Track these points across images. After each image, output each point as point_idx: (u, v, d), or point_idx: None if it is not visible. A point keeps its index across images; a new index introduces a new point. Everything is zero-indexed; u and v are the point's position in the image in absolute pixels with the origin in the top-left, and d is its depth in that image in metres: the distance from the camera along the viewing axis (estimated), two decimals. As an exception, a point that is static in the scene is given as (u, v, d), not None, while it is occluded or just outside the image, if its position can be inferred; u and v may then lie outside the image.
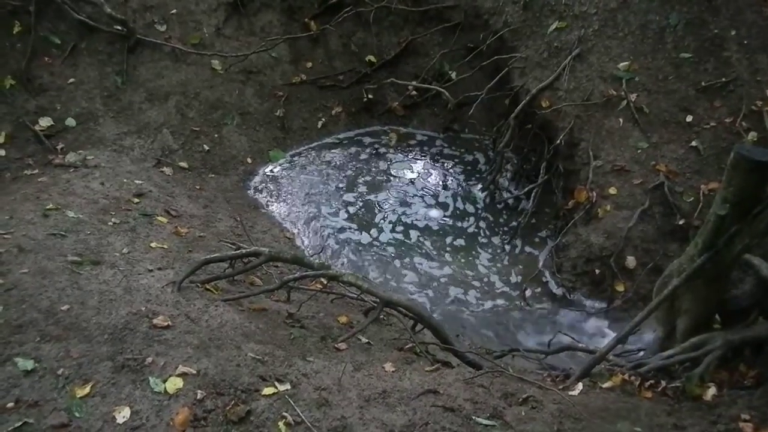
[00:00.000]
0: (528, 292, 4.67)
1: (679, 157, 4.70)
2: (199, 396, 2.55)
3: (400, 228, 5.14)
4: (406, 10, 5.86)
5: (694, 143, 4.71)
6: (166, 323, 2.94)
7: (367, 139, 5.84)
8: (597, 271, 4.54)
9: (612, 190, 4.70)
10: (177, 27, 5.52)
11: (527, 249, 5.02)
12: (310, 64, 5.87)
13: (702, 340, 3.13)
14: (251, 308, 3.38)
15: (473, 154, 5.75)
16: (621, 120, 4.87)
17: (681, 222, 4.47)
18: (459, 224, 5.20)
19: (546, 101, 5.13)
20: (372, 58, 5.88)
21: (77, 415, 2.41)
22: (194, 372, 2.65)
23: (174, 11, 5.53)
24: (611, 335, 4.17)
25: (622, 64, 5.03)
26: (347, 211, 5.24)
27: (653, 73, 4.96)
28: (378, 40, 5.88)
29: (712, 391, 2.89)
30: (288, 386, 2.67)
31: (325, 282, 3.86)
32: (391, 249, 4.97)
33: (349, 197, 5.35)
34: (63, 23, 5.22)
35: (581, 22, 5.18)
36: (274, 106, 5.65)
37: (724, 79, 4.81)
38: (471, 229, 5.17)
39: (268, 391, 2.62)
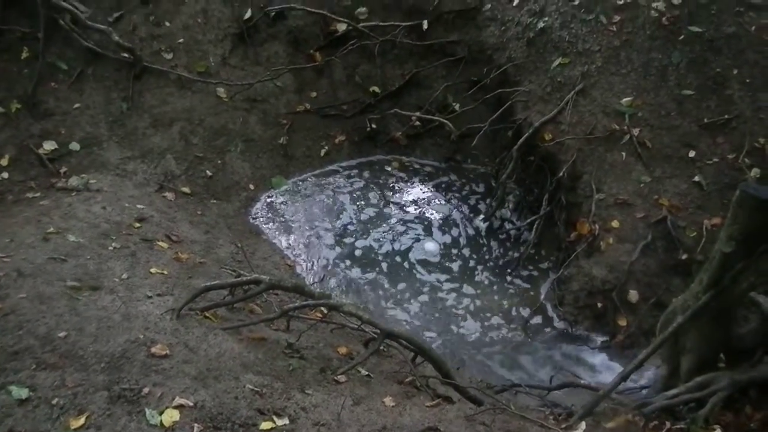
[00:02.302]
0: (530, 325, 4.63)
1: (681, 192, 4.70)
2: (195, 430, 2.50)
3: (401, 258, 5.13)
4: (411, 44, 5.90)
5: (696, 178, 4.72)
6: (164, 352, 2.90)
7: (370, 168, 5.87)
8: (599, 305, 4.52)
9: (614, 224, 4.69)
10: (183, 55, 5.56)
11: (529, 281, 4.99)
12: (314, 94, 5.90)
13: (707, 380, 3.11)
14: (250, 337, 3.34)
15: (475, 184, 5.79)
16: (624, 154, 4.89)
17: (684, 257, 4.45)
18: (460, 255, 5.18)
19: (549, 134, 5.15)
20: (376, 89, 5.91)
21: (70, 447, 2.36)
22: (191, 404, 2.60)
23: (181, 40, 5.58)
24: (614, 369, 4.13)
25: (624, 99, 5.06)
26: (348, 240, 5.22)
27: (656, 108, 4.99)
28: (382, 72, 5.91)
29: (717, 433, 2.83)
30: (286, 421, 2.61)
31: (326, 311, 3.82)
32: (391, 279, 4.95)
33: (350, 226, 5.33)
34: (70, 49, 5.26)
35: (584, 59, 5.23)
36: (277, 134, 5.66)
37: (726, 116, 4.83)
38: (472, 260, 5.15)
39: (266, 425, 2.57)
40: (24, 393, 2.52)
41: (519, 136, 5.29)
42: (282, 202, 5.47)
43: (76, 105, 5.19)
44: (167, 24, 5.56)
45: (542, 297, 4.83)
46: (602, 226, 4.71)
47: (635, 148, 4.87)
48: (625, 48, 5.15)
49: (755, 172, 4.62)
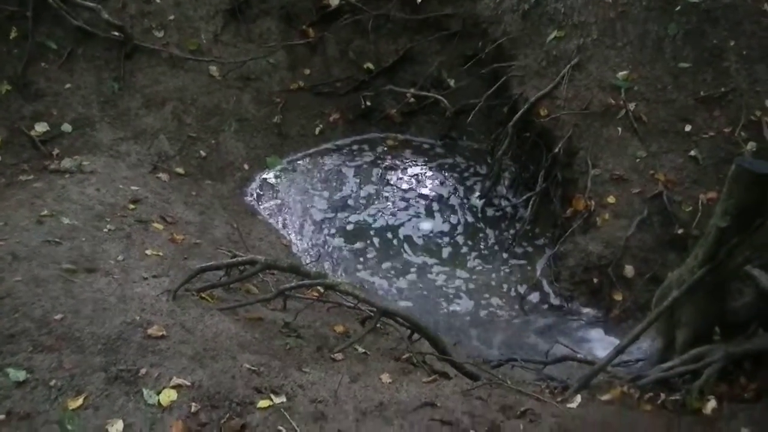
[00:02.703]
0: (526, 301, 4.66)
1: (677, 167, 4.70)
2: (193, 409, 2.51)
3: (396, 236, 5.14)
4: (404, 18, 5.85)
5: (692, 153, 4.72)
6: (160, 333, 2.91)
7: (365, 146, 5.86)
8: (595, 280, 4.55)
9: (610, 199, 4.70)
10: (175, 33, 5.50)
11: (525, 257, 5.02)
12: (307, 71, 5.87)
13: (702, 352, 3.13)
14: (247, 317, 3.35)
15: (471, 161, 5.77)
16: (620, 129, 4.88)
17: (679, 231, 4.47)
18: (456, 232, 5.20)
19: (544, 110, 5.13)
20: (370, 65, 5.88)
21: (69, 428, 2.38)
22: (189, 384, 2.62)
23: (172, 17, 5.51)
24: (610, 344, 4.13)
25: (620, 73, 5.04)
26: (344, 219, 5.23)
27: (652, 82, 4.97)
28: (376, 47, 5.88)
29: (712, 405, 2.88)
30: (284, 398, 2.64)
31: (322, 291, 3.84)
32: (387, 257, 4.97)
33: (346, 205, 5.34)
34: (60, 29, 5.19)
35: (580, 32, 5.19)
36: (271, 113, 5.64)
37: (723, 89, 4.81)
38: (468, 237, 5.16)
39: (263, 403, 2.59)
40: (21, 375, 2.53)
41: (515, 111, 5.28)
42: (277, 182, 5.48)
43: (67, 85, 5.14)
44: (157, 0, 5.49)
45: (538, 273, 4.84)
46: (598, 201, 4.72)
47: (631, 122, 4.86)
48: (621, 20, 5.11)
49: (751, 146, 4.60)
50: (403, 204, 5.41)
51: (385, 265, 4.92)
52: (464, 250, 5.08)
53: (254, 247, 4.56)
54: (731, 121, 4.73)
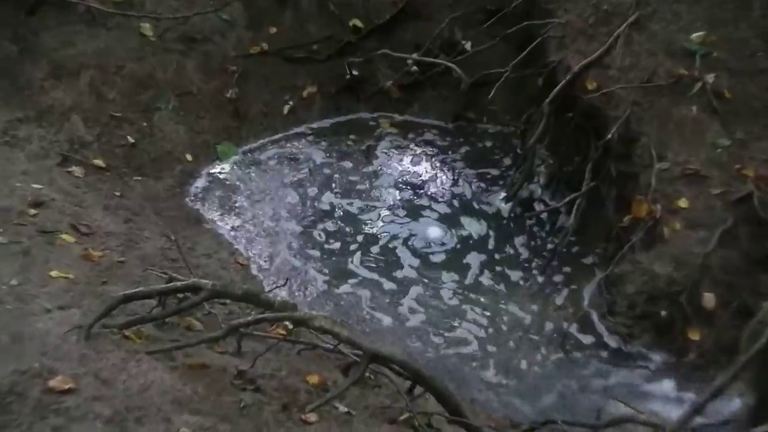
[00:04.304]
0: (569, 341, 4.67)
1: (773, 159, 4.74)
2: (110, 493, 2.46)
3: (392, 252, 5.13)
4: (405, -43, 5.95)
5: (793, 140, 4.76)
6: (67, 386, 2.83)
7: (351, 131, 5.82)
8: (663, 313, 4.54)
9: (682, 203, 4.70)
10: (95, -21, 5.54)
11: (567, 282, 5.01)
12: (274, 30, 5.88)
13: (809, 412, 3.12)
14: (187, 364, 3.28)
15: (494, 151, 5.72)
16: (694, 108, 4.87)
17: (776, 246, 4.49)
18: (474, 246, 5.20)
19: (593, 82, 5.12)
20: (358, 22, 5.89)
21: None
22: (105, 457, 2.56)
23: (91, -41, 5.56)
24: (683, 400, 4.20)
25: (695, 35, 5.06)
26: (321, 229, 5.23)
27: (737, 47, 5.00)
28: (366, -2, 5.96)
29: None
30: (237, 477, 2.59)
31: (290, 327, 3.85)
32: (380, 280, 4.95)
33: (324, 209, 5.34)
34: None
35: (640, -22, 5.25)
36: (224, 86, 5.62)
37: (833, 55, 4.87)
38: (490, 254, 5.15)
39: (208, 484, 2.54)
40: None
41: (552, 85, 5.27)
42: (231, 179, 5.46)
43: (-54, 48, 5.18)
44: (71, -64, 5.53)
45: (586, 303, 4.85)
46: (666, 206, 4.71)
47: (710, 100, 4.86)
48: (696, -38, 5.17)
49: None
50: (401, 209, 5.39)
51: (377, 292, 4.90)
52: (485, 270, 5.08)
53: (199, 267, 4.55)
54: (844, 98, 4.79)
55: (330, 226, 5.26)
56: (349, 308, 4.79)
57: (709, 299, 4.44)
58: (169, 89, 5.47)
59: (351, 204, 5.39)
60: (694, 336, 4.42)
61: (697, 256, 4.47)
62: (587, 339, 4.67)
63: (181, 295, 3.53)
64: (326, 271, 4.99)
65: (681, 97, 4.91)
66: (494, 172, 5.61)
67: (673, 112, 4.91)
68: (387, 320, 4.75)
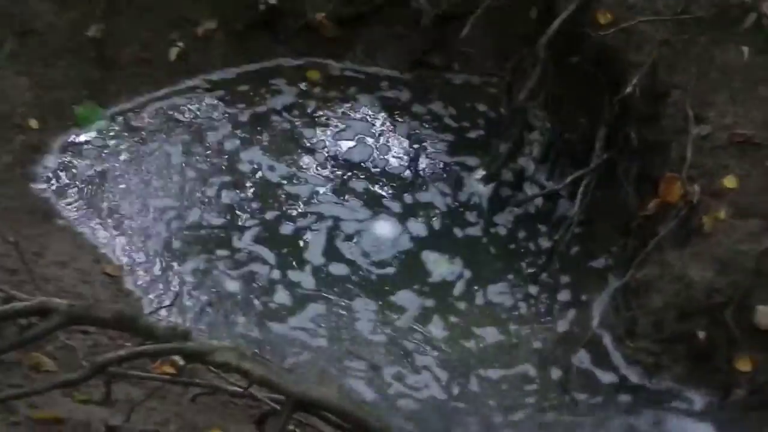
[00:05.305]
0: (573, 375, 4.50)
1: None
2: None
3: (328, 252, 5.03)
4: None
5: None
6: None
7: (265, 84, 5.72)
8: (701, 335, 4.31)
9: (729, 182, 4.44)
10: None
11: (570, 292, 4.88)
12: (157, -61, 5.81)
13: None
14: (33, 418, 3.10)
15: (469, 111, 5.60)
16: (745, 50, 4.64)
17: None
18: (441, 244, 5.09)
19: (606, 15, 4.89)
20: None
21: None
22: None
23: None
24: None
25: (747, -55, 5.00)
26: (224, 224, 5.11)
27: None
28: None
29: None
30: None
31: (182, 364, 3.65)
32: (309, 294, 4.84)
33: (227, 194, 5.22)
34: None
35: None
36: (83, 20, 5.42)
37: None
38: (465, 255, 5.04)
39: None
40: None
41: (550, 19, 5.05)
42: (95, 154, 5.32)
43: None
44: None
45: (596, 322, 4.67)
46: (707, 186, 4.48)
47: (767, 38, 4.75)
48: None
49: None
50: (337, 194, 5.30)
51: (304, 309, 4.77)
52: (456, 278, 4.96)
53: (50, 280, 4.35)
54: None
55: (237, 218, 5.13)
56: (266, 332, 4.65)
57: (764, 315, 4.23)
58: (4, 26, 5.27)
59: (266, 186, 5.29)
60: (744, 366, 4.25)
61: (748, 257, 4.27)
62: (598, 373, 4.52)
63: (24, 321, 3.26)
64: (231, 280, 4.87)
65: (727, 35, 4.69)
66: (469, 140, 5.52)
67: (716, 55, 4.68)
68: (325, 346, 4.64)
